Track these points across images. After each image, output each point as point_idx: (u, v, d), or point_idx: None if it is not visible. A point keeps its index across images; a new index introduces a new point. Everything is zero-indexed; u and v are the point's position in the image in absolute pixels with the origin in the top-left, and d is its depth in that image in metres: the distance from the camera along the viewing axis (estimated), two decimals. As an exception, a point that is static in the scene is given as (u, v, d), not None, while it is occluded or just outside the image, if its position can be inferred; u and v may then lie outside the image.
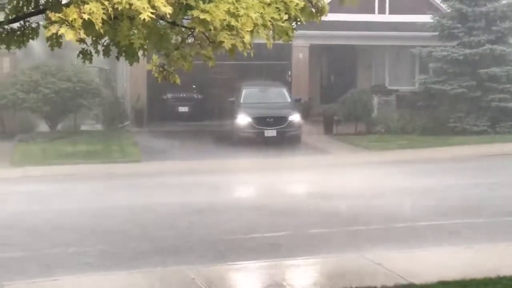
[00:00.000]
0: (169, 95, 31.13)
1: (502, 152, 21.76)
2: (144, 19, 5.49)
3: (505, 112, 26.23)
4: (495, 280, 8.62)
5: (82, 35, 5.45)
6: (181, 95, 31.40)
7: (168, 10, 5.72)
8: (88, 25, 5.44)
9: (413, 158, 21.10)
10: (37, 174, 18.99)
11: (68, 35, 5.41)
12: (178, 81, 7.16)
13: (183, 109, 31.43)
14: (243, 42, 6.08)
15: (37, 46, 24.58)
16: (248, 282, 9.42)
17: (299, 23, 6.82)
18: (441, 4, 29.23)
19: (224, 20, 5.97)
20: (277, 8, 6.31)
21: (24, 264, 10.22)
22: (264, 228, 12.23)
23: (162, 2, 5.52)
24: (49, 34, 5.56)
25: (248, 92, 26.36)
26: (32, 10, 7.49)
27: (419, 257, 10.04)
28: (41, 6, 7.39)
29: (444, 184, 16.47)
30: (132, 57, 6.47)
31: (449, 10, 28.07)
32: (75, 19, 5.37)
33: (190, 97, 31.79)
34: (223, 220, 13.01)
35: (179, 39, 7.34)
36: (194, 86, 31.73)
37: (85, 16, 5.36)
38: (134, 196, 15.83)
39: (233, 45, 6.14)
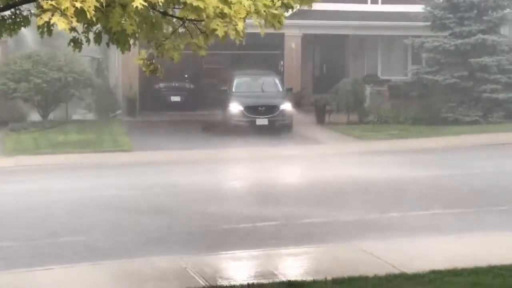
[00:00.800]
0: (161, 85, 31.03)
1: (491, 142, 21.78)
2: (136, 7, 5.47)
3: (497, 102, 26.27)
4: (485, 269, 8.65)
5: (75, 23, 5.42)
6: (173, 84, 31.31)
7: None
8: (80, 13, 5.40)
9: (403, 148, 21.15)
10: (29, 163, 18.94)
11: (61, 24, 5.38)
12: (162, 75, 7.20)
13: (175, 98, 31.36)
14: (235, 29, 6.06)
15: (28, 35, 24.53)
16: (240, 271, 9.41)
17: (290, 10, 6.81)
18: (433, -6, 29.21)
19: (217, 7, 5.95)
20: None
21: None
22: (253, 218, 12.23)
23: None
24: (41, 22, 5.53)
25: (240, 81, 26.50)
26: (23, -1, 7.45)
27: (410, 247, 10.05)
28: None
29: (426, 175, 16.45)
30: (123, 45, 6.44)
31: (441, 0, 28.06)
32: (67, 7, 5.34)
33: (182, 87, 31.70)
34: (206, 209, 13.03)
35: (170, 29, 7.32)
36: (186, 76, 31.65)
37: (78, 5, 5.32)
38: (124, 185, 15.80)
39: (226, 33, 6.12)
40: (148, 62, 7.32)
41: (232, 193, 15.30)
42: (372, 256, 9.47)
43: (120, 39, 6.33)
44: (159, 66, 7.46)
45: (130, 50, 6.67)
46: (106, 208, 13.18)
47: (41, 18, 5.44)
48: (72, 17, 5.36)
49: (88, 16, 5.36)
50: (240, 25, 6.03)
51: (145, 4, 5.60)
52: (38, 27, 6.91)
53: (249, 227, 11.53)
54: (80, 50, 6.98)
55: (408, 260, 9.21)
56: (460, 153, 20.17)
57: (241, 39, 6.20)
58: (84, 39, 6.97)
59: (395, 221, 11.84)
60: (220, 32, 6.10)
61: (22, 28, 7.61)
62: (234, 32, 6.11)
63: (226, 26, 6.09)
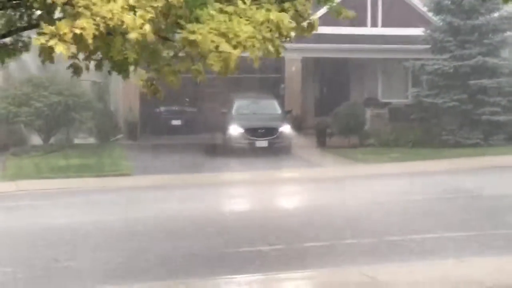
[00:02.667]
0: (162, 108, 31.14)
1: (491, 165, 21.73)
2: (135, 37, 5.50)
3: (497, 125, 26.28)
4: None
5: (73, 50, 5.46)
6: (174, 108, 31.42)
7: (147, 28, 5.69)
8: (79, 40, 5.45)
9: (404, 171, 21.08)
10: (30, 188, 18.92)
11: (59, 47, 5.41)
12: (162, 98, 7.25)
13: (176, 122, 31.45)
14: (227, 66, 6.11)
15: (30, 60, 24.64)
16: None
17: (289, 39, 6.85)
18: (433, 18, 29.34)
19: (213, 41, 5.99)
20: (268, 27, 6.33)
21: None
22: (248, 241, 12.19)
23: (144, 21, 5.52)
24: (38, 43, 5.57)
25: (240, 104, 26.86)
26: (25, 25, 7.51)
27: (415, 272, 10.00)
28: (34, 21, 7.41)
29: (425, 198, 16.41)
30: (124, 71, 6.49)
31: (441, 24, 28.17)
32: (65, 33, 5.38)
33: (183, 110, 31.82)
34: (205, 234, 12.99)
35: (171, 53, 7.36)
36: (187, 99, 31.76)
37: (77, 31, 5.36)
38: (122, 210, 15.75)
39: (222, 67, 6.16)
40: (149, 83, 7.38)
41: (231, 217, 15.25)
42: (374, 281, 9.42)
43: (121, 67, 6.37)
44: (159, 87, 7.51)
45: (129, 77, 6.72)
46: (102, 234, 13.12)
47: (38, 39, 5.48)
48: (70, 43, 5.40)
49: (87, 43, 5.41)
50: (232, 63, 6.07)
51: (143, 33, 5.63)
52: (40, 53, 6.96)
53: (253, 251, 11.48)
54: (79, 76, 7.03)
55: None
56: (460, 176, 20.12)
57: (231, 74, 6.27)
58: (84, 67, 7.03)
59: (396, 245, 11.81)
60: (216, 67, 6.15)
61: (25, 54, 7.68)
62: (228, 69, 6.15)
63: (222, 61, 6.13)
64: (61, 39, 5.34)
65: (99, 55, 6.64)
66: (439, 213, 14.49)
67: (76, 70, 7.04)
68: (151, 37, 5.59)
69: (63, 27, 5.35)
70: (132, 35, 5.46)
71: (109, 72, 6.91)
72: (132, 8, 5.34)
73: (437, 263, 10.35)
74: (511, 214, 14.37)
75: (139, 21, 5.52)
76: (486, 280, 9.33)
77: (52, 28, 5.37)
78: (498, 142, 26.08)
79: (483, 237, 12.14)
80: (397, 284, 9.28)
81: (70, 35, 5.35)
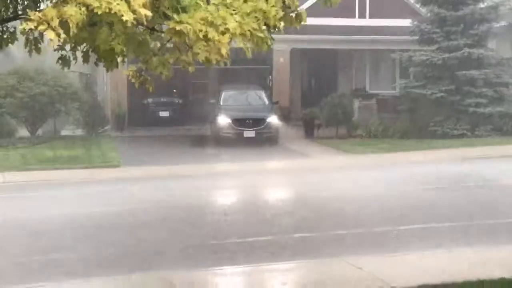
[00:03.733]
0: (150, 100, 31.12)
1: (477, 156, 21.81)
2: (124, 23, 5.45)
3: (484, 116, 26.38)
4: (476, 283, 8.64)
5: (62, 35, 5.40)
6: (162, 99, 31.41)
7: (147, 12, 5.69)
8: (65, 27, 5.40)
9: (391, 162, 21.18)
10: (16, 179, 18.86)
11: (50, 34, 5.36)
12: (151, 88, 7.20)
13: (164, 113, 31.46)
14: (219, 53, 6.07)
15: (17, 51, 24.52)
16: (224, 286, 9.39)
17: (277, 30, 6.82)
18: (421, 9, 29.40)
19: (200, 31, 5.96)
20: (256, 17, 6.31)
21: None
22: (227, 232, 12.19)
23: (139, 5, 5.49)
24: (26, 28, 5.51)
25: (227, 95, 27.01)
26: (11, 15, 7.46)
27: (399, 261, 10.04)
28: (19, 11, 7.36)
29: (414, 189, 16.45)
30: (111, 62, 6.45)
31: (428, 15, 28.23)
32: (52, 18, 5.33)
33: (170, 102, 31.81)
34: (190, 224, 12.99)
35: (158, 44, 7.33)
36: (174, 91, 31.74)
37: (65, 17, 5.30)
38: (110, 202, 15.72)
39: (207, 58, 6.13)
40: (138, 74, 7.34)
41: (217, 208, 15.24)
42: (361, 271, 9.45)
43: (108, 58, 6.33)
44: (148, 77, 7.48)
45: (117, 67, 6.68)
46: (92, 224, 13.10)
47: (27, 24, 5.43)
48: (59, 29, 5.35)
49: (71, 31, 5.35)
50: (224, 50, 6.04)
51: (135, 18, 5.59)
52: (25, 45, 6.92)
53: (238, 242, 11.47)
54: (69, 68, 7.00)
55: (397, 274, 9.20)
56: (446, 166, 20.19)
57: (225, 60, 6.22)
58: (71, 57, 6.99)
59: (384, 236, 11.84)
60: (201, 57, 6.12)
61: (11, 46, 7.63)
62: (217, 57, 6.12)
63: (209, 50, 6.10)
64: (50, 26, 5.29)
65: (85, 46, 6.60)
66: (414, 204, 14.50)
67: (65, 62, 7.01)
68: (142, 20, 5.53)
69: (51, 12, 5.30)
70: (126, 17, 5.39)
71: (96, 64, 6.88)
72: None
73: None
74: (484, 205, 14.39)
75: (131, 6, 5.46)
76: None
77: (39, 14, 5.32)
78: (485, 133, 26.20)
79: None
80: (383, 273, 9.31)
81: (57, 21, 5.30)
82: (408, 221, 12.72)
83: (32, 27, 5.37)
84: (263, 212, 14.25)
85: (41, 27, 5.33)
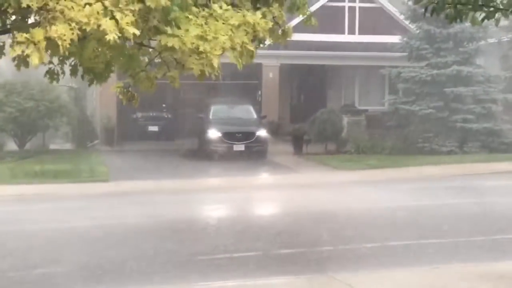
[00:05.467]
0: (139, 114, 31.15)
1: (464, 173, 21.87)
2: (110, 40, 5.46)
3: (471, 132, 26.48)
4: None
5: (45, 59, 5.40)
6: (151, 114, 31.47)
7: (135, 31, 5.70)
8: (54, 47, 5.40)
9: (380, 179, 21.16)
10: (4, 193, 18.75)
11: (35, 59, 5.36)
12: (136, 104, 7.23)
13: (153, 128, 31.48)
14: (211, 66, 6.09)
15: (4, 64, 24.46)
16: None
17: (265, 44, 6.87)
18: (410, 25, 29.55)
19: (192, 43, 5.98)
20: (245, 30, 6.34)
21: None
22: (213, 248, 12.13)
23: (127, 23, 5.49)
24: (15, 54, 5.53)
25: (216, 109, 27.35)
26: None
27: (389, 278, 10.02)
28: (8, 26, 7.35)
29: (403, 205, 16.46)
30: (99, 78, 6.46)
31: (417, 31, 28.37)
32: (40, 41, 5.34)
33: (160, 116, 31.86)
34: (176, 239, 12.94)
35: (146, 59, 7.34)
36: (164, 105, 31.77)
37: (54, 35, 5.30)
38: (99, 216, 15.65)
39: (202, 71, 6.15)
40: (125, 90, 7.36)
41: (205, 224, 15.21)
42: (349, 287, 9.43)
43: (95, 73, 6.34)
44: (135, 94, 7.50)
45: (106, 81, 6.69)
46: (78, 239, 13.03)
47: (14, 50, 5.44)
48: (45, 51, 5.35)
49: (61, 50, 5.36)
50: (216, 61, 6.06)
51: (118, 36, 5.59)
52: (13, 59, 6.91)
53: (225, 257, 11.43)
54: (58, 82, 7.00)
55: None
56: (434, 183, 20.23)
57: (216, 74, 6.23)
58: (60, 71, 6.99)
59: (368, 252, 11.82)
60: (196, 71, 6.14)
61: (-2, 60, 7.62)
62: (210, 69, 6.14)
63: (202, 63, 6.12)
64: (36, 47, 5.29)
65: (73, 60, 6.60)
66: (399, 221, 14.50)
67: (52, 76, 7.01)
68: (130, 37, 5.54)
69: (38, 34, 5.31)
70: (110, 36, 5.40)
71: (82, 77, 6.88)
72: (110, 13, 5.31)
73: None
74: (459, 223, 14.38)
75: (119, 25, 5.47)
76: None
77: (26, 35, 5.32)
78: (473, 150, 26.29)
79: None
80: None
81: (44, 43, 5.31)
82: (384, 238, 12.66)
83: (20, 52, 5.38)
84: (250, 227, 14.21)
85: (27, 51, 5.34)
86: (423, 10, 8.17)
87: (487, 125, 26.56)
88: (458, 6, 7.45)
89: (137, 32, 5.65)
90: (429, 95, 27.11)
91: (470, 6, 7.48)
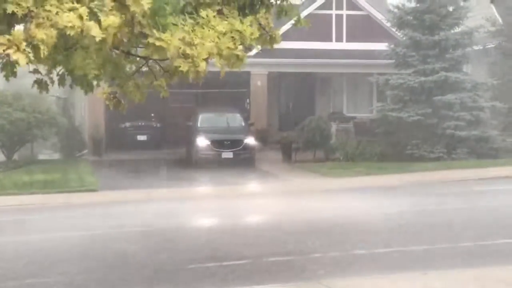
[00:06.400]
0: (128, 124, 31.12)
1: (452, 179, 21.96)
2: (98, 44, 5.47)
3: (460, 139, 26.56)
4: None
5: (32, 58, 5.40)
6: (140, 123, 31.46)
7: (113, 26, 5.64)
8: (36, 50, 5.41)
9: (368, 185, 21.20)
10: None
11: (21, 60, 5.36)
12: (124, 111, 7.26)
13: (141, 137, 31.47)
14: (197, 70, 6.13)
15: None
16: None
17: (253, 51, 6.92)
18: (397, 32, 29.67)
19: (180, 48, 6.02)
20: (232, 37, 6.39)
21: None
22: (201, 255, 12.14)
23: (110, 25, 5.50)
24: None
25: (204, 117, 27.48)
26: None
27: (377, 284, 10.05)
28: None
29: (389, 212, 16.50)
30: (86, 86, 6.48)
31: (404, 38, 28.49)
32: (20, 41, 5.33)
33: (148, 126, 31.86)
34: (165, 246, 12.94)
35: (134, 67, 7.37)
36: (152, 115, 31.77)
37: (35, 40, 5.30)
38: (87, 225, 15.62)
39: (190, 69, 6.19)
40: (112, 96, 7.38)
41: (193, 233, 15.20)
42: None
43: (83, 81, 6.36)
44: (122, 100, 7.52)
45: (92, 91, 6.72)
46: (67, 249, 13.00)
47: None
48: (29, 52, 5.35)
49: (41, 54, 5.35)
50: (202, 66, 6.11)
51: (102, 38, 5.60)
52: (2, 68, 6.92)
53: (213, 266, 11.43)
54: (47, 92, 7.01)
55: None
56: (421, 190, 20.29)
57: (201, 78, 6.27)
58: (48, 81, 7.00)
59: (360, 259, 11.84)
60: (184, 68, 6.16)
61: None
62: (195, 74, 6.17)
63: (189, 66, 6.15)
64: (18, 48, 5.29)
65: (61, 69, 6.62)
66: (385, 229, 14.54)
67: (40, 85, 7.02)
68: (110, 41, 5.55)
69: (19, 35, 5.31)
70: (93, 33, 5.39)
71: (71, 86, 6.90)
72: (94, 16, 5.33)
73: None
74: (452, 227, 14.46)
75: (102, 26, 5.48)
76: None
77: (8, 37, 5.33)
78: (461, 156, 26.38)
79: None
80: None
81: (24, 44, 5.30)
82: (367, 245, 12.68)
83: (1, 51, 5.38)
84: (239, 235, 14.21)
85: (9, 51, 5.33)
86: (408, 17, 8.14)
87: (475, 132, 26.66)
88: None
89: (111, 32, 5.61)
90: (417, 102, 27.20)
91: None
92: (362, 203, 18.06)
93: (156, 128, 31.96)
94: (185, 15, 6.27)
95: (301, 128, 27.89)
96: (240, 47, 6.53)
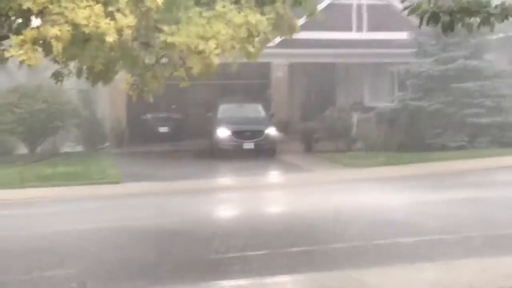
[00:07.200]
0: (149, 116, 31.18)
1: (475, 168, 21.83)
2: (112, 41, 5.51)
3: (481, 127, 26.35)
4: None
5: (41, 59, 5.46)
6: (161, 115, 31.49)
7: (129, 26, 5.70)
8: (47, 47, 5.46)
9: (390, 175, 21.13)
10: (14, 197, 18.80)
11: (30, 59, 5.41)
12: (151, 99, 7.27)
13: (163, 129, 31.51)
14: (211, 65, 6.14)
15: (17, 70, 24.56)
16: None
17: (270, 41, 6.92)
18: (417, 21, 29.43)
19: (192, 44, 6.03)
20: (247, 29, 6.39)
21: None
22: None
23: (127, 25, 5.54)
24: (9, 55, 5.58)
25: (225, 108, 27.58)
26: (6, 34, 7.52)
27: (398, 275, 10.02)
28: (14, 30, 7.42)
29: (411, 201, 16.42)
30: (103, 78, 6.51)
31: (425, 27, 28.23)
32: (32, 39, 5.38)
33: (170, 117, 31.88)
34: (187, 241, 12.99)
35: (154, 59, 7.39)
36: (174, 107, 31.80)
37: (50, 36, 5.35)
38: (109, 218, 15.71)
39: (202, 70, 6.20)
40: (135, 86, 7.41)
41: (217, 223, 15.26)
42: (364, 285, 9.44)
43: (98, 74, 6.40)
44: (144, 89, 7.55)
45: (110, 82, 6.75)
46: (89, 241, 13.08)
47: (8, 51, 5.48)
48: (38, 51, 5.38)
49: (54, 51, 5.40)
50: (215, 61, 6.12)
51: (116, 38, 5.64)
52: (20, 62, 6.99)
53: (238, 256, 11.46)
54: (62, 83, 7.06)
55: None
56: (442, 180, 20.19)
57: (215, 73, 6.29)
58: (65, 73, 7.05)
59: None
60: (195, 70, 6.20)
61: (12, 63, 7.68)
62: (209, 69, 6.19)
63: (202, 63, 6.16)
64: (30, 48, 5.33)
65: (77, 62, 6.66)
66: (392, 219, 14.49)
67: (58, 77, 7.07)
68: (128, 41, 5.60)
69: (29, 35, 5.35)
70: (109, 39, 5.46)
71: (87, 79, 6.94)
72: (110, 14, 5.36)
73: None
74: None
75: (117, 26, 5.52)
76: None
77: (21, 37, 5.38)
78: (483, 145, 26.17)
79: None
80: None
81: (30, 45, 5.33)
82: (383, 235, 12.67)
83: (14, 53, 5.43)
84: (261, 226, 14.24)
85: (19, 52, 5.38)
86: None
87: (497, 119, 26.44)
88: (452, 14, 7.41)
89: (128, 33, 5.65)
90: (437, 90, 27.01)
91: (464, 14, 7.45)
92: (387, 194, 17.95)
93: (177, 120, 31.98)
94: (201, 7, 6.28)
95: (322, 118, 27.82)
96: (257, 39, 6.54)
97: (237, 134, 25.80)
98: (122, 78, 7.84)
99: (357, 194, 18.01)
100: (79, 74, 6.99)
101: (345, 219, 14.47)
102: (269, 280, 9.98)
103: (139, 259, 11.51)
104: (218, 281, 10.01)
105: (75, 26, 5.34)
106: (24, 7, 5.16)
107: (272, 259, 11.20)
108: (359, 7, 31.90)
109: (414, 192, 17.99)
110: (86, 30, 5.34)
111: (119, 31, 5.49)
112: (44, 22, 5.42)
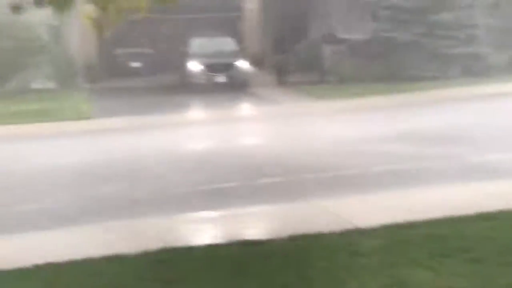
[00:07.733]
0: (120, 51, 30.85)
1: (447, 98, 21.95)
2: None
3: (454, 57, 26.37)
4: (441, 220, 8.68)
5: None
6: (133, 50, 31.17)
7: None
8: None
9: (364, 106, 21.19)
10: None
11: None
12: (107, 34, 7.14)
13: (135, 64, 31.29)
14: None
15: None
16: (197, 232, 9.39)
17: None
18: None
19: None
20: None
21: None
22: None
23: None
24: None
25: (197, 42, 27.33)
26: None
27: (367, 202, 10.08)
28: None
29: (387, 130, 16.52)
30: (62, 8, 6.34)
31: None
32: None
33: (141, 53, 31.62)
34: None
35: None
36: (144, 41, 31.47)
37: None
38: (78, 153, 15.62)
39: None
40: (93, 20, 7.26)
41: (188, 157, 15.22)
42: (330, 213, 9.48)
43: (59, 3, 6.23)
44: (104, 24, 7.40)
45: (69, 10, 6.57)
46: (58, 176, 13.02)
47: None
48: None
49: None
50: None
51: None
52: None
53: (207, 189, 11.47)
54: (20, 14, 6.88)
55: (364, 215, 9.23)
56: (420, 108, 20.31)
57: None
58: (24, 3, 6.87)
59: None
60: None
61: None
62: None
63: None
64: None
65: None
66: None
67: (15, 8, 6.89)
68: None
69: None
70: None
71: (45, 6, 6.76)
72: None
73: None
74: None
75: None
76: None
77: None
78: (456, 75, 26.25)
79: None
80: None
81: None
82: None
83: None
84: (232, 159, 14.24)
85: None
86: None
87: (470, 50, 26.45)
88: None
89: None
90: (411, 21, 26.88)
91: None
92: (361, 124, 17.98)
93: (149, 55, 31.72)
94: None
95: (295, 51, 27.68)
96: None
97: (208, 67, 25.69)
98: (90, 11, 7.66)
99: (327, 125, 18.05)
100: (38, 3, 6.80)
101: (315, 151, 14.49)
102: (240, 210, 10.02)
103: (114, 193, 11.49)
104: (188, 213, 10.01)
105: None
106: None
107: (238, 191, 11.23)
108: None
109: (389, 121, 18.06)
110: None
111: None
112: None
